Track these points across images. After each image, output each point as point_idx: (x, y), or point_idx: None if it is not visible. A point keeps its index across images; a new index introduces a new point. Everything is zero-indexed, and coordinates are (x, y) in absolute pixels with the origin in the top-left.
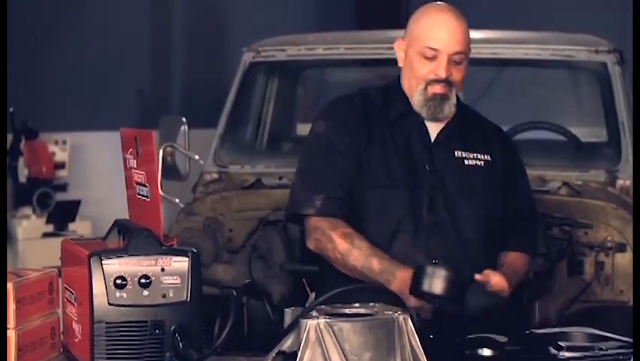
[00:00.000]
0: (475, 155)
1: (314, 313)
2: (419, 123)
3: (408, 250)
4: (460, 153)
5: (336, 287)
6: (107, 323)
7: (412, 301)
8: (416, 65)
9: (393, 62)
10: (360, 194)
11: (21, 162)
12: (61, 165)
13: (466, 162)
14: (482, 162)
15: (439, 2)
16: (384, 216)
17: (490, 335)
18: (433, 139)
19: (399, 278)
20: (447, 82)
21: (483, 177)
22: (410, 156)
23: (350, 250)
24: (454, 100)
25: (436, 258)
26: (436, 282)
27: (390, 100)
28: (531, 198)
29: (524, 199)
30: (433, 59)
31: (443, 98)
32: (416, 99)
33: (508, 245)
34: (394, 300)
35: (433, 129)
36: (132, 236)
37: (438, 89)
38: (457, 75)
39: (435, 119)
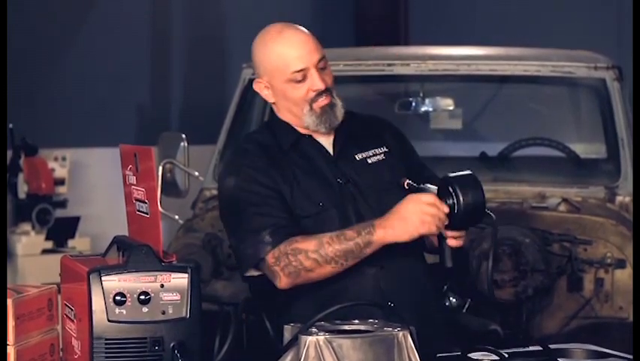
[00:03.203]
0: (373, 151)
1: (313, 330)
2: (314, 143)
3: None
4: (360, 155)
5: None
6: (106, 339)
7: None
8: (291, 93)
9: (391, 78)
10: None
11: (20, 178)
12: (60, 182)
13: (368, 160)
14: (382, 155)
15: (269, 27)
16: None
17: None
18: (331, 152)
19: (378, 224)
20: (326, 90)
21: (388, 168)
22: (322, 176)
23: (320, 242)
24: (340, 103)
25: (382, 263)
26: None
27: (277, 135)
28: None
29: (428, 171)
30: (303, 78)
31: (331, 106)
32: (308, 121)
33: None
34: (392, 314)
35: (327, 144)
36: (132, 252)
37: (323, 101)
38: (329, 79)
39: (332, 128)
